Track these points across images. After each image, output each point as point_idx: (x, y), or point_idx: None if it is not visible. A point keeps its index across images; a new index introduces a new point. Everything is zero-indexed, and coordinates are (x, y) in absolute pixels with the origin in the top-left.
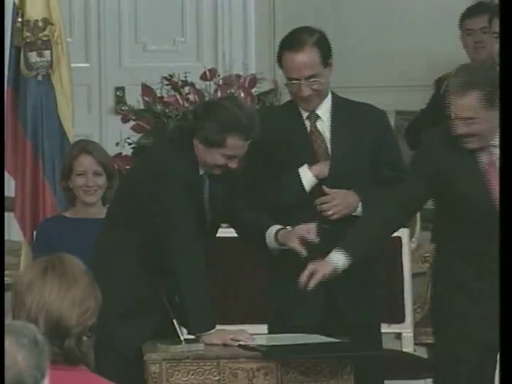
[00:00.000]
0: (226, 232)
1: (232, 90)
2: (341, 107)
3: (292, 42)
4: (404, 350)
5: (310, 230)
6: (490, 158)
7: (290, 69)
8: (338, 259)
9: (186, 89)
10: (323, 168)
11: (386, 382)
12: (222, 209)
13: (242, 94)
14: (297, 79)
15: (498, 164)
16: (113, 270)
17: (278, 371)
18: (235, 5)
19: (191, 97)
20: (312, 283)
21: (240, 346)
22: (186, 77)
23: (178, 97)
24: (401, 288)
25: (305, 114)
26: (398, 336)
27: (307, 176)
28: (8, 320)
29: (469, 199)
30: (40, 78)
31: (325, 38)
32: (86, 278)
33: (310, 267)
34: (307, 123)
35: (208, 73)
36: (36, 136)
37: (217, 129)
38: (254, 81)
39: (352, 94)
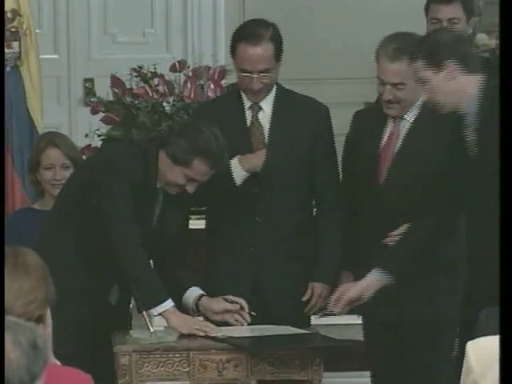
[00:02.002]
0: (196, 224)
1: (201, 82)
2: (284, 99)
3: (249, 34)
4: None
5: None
6: (395, 128)
7: (244, 61)
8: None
9: (156, 80)
10: (256, 160)
11: (356, 372)
12: (168, 227)
13: (212, 86)
14: (249, 72)
15: (401, 134)
16: (49, 258)
17: (247, 363)
18: None
19: (160, 88)
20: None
21: (209, 337)
22: (155, 68)
23: (148, 88)
24: None
25: (247, 104)
26: None
27: (238, 170)
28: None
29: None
30: (8, 69)
31: (278, 31)
32: (39, 270)
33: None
34: (248, 114)
35: (177, 64)
36: (5, 127)
37: (187, 148)
38: (223, 72)
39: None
